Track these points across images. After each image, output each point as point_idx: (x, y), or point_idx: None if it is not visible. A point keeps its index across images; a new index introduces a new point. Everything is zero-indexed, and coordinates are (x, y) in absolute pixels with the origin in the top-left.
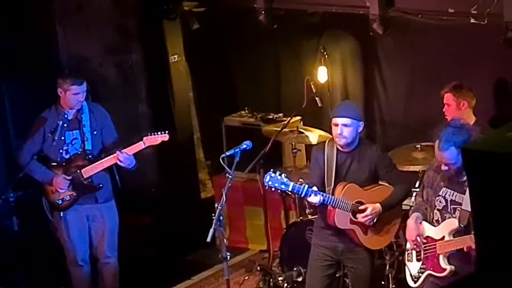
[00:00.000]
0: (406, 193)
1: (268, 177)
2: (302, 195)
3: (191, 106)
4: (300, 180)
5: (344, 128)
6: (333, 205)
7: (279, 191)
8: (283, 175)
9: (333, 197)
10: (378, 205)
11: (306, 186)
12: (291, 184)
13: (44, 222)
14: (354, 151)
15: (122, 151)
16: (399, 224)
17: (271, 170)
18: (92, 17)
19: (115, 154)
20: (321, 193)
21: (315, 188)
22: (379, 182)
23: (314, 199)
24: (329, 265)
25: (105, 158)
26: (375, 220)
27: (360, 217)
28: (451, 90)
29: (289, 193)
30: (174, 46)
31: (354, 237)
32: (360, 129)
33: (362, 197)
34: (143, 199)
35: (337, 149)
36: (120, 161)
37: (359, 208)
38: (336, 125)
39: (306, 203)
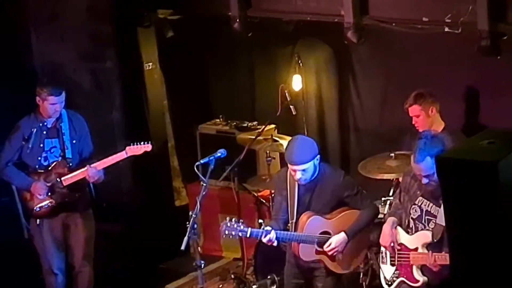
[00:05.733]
0: (372, 216)
1: (224, 227)
2: (260, 238)
3: (166, 114)
4: (259, 221)
5: (303, 172)
6: (298, 241)
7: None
8: (240, 221)
9: (295, 234)
10: (342, 234)
11: (263, 229)
12: (249, 230)
13: (20, 230)
14: (316, 179)
15: (92, 165)
16: (368, 244)
17: (226, 219)
18: (66, 24)
19: (87, 167)
20: (281, 232)
21: (268, 228)
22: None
23: (270, 236)
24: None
25: (81, 170)
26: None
27: (327, 250)
28: (415, 102)
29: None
30: (148, 53)
31: (322, 265)
32: (317, 163)
33: (327, 227)
34: (117, 207)
35: None
36: (89, 176)
37: (325, 243)
38: (294, 170)
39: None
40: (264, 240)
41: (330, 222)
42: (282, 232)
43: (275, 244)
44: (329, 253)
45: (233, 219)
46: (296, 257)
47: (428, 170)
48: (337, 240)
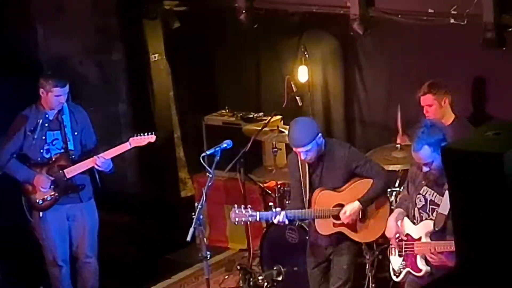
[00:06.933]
0: (385, 184)
1: (233, 215)
2: (271, 220)
3: (172, 105)
4: (269, 204)
5: (307, 153)
6: (312, 218)
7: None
8: (248, 207)
9: (308, 211)
10: (356, 203)
11: (272, 211)
12: (258, 214)
13: (23, 221)
14: (323, 156)
15: (100, 155)
16: (390, 213)
17: (234, 207)
18: (72, 17)
19: (95, 157)
20: (292, 211)
21: (278, 209)
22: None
23: (280, 217)
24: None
25: (87, 160)
26: (360, 216)
27: (343, 219)
28: (429, 91)
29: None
30: (154, 45)
31: (344, 237)
32: (320, 141)
33: (339, 200)
34: (123, 198)
35: None
36: (98, 166)
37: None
38: (299, 152)
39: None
40: (275, 221)
41: (342, 194)
42: (293, 211)
43: (286, 222)
44: (345, 222)
45: (241, 206)
46: (315, 236)
47: (426, 159)
48: (351, 207)
